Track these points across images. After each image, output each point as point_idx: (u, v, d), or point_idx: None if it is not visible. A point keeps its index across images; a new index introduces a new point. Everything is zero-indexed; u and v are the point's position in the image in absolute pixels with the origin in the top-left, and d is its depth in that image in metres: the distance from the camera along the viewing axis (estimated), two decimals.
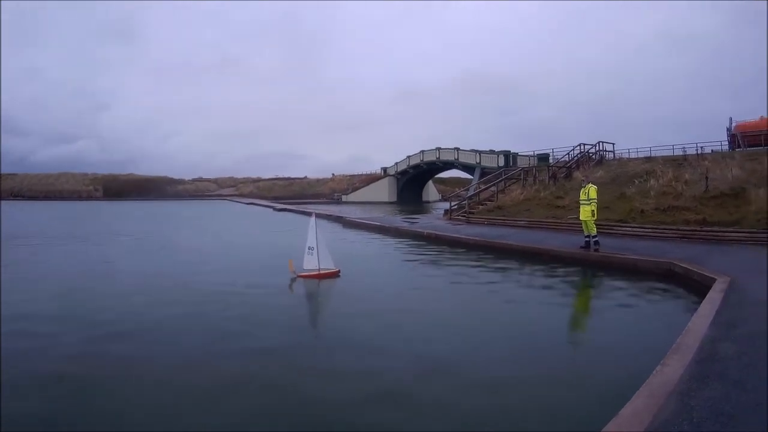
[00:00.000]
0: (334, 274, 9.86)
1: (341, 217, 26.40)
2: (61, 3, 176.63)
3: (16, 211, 40.04)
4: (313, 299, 8.69)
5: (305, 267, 9.79)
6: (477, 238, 15.27)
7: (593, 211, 11.82)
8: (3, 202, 56.87)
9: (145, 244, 17.15)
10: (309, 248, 9.89)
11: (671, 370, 4.09)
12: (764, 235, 11.41)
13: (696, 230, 12.91)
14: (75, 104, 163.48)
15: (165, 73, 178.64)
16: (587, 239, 11.93)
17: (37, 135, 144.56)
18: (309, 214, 12.11)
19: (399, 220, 23.85)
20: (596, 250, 11.59)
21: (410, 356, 5.38)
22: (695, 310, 6.28)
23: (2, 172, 79.50)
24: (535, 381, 4.72)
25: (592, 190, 12.00)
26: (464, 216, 21.61)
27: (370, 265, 12.04)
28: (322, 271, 9.72)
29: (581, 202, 12.19)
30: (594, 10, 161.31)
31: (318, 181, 79.80)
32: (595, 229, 11.88)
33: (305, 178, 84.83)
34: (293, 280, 9.58)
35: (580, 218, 12.20)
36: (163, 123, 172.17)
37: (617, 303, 7.89)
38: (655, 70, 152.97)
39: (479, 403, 4.23)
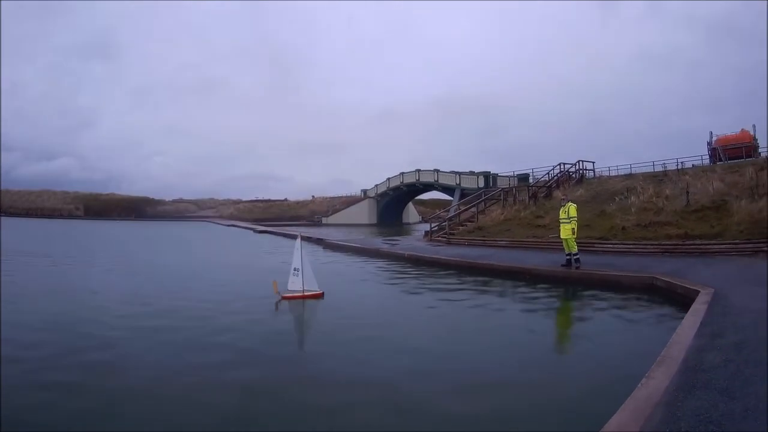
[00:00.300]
0: (318, 296, 9.71)
1: (321, 239, 25.79)
2: (42, 19, 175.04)
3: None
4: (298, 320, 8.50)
5: (290, 288, 9.67)
6: (458, 259, 14.81)
7: (573, 229, 11.62)
8: None
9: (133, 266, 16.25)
10: (294, 269, 9.80)
11: (656, 382, 3.93)
12: (747, 245, 11.09)
13: (678, 244, 12.59)
14: (57, 121, 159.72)
15: (146, 93, 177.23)
16: (568, 257, 11.69)
17: (18, 150, 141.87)
18: (291, 236, 11.90)
19: (379, 242, 23.31)
20: (577, 268, 11.32)
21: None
22: (679, 322, 5.98)
23: None
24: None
25: (572, 209, 11.82)
26: (444, 237, 21.20)
27: (352, 287, 11.64)
28: (306, 293, 9.59)
29: (561, 220, 11.97)
30: (573, 30, 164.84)
31: (298, 203, 78.93)
32: (575, 247, 11.66)
33: (285, 200, 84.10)
34: (278, 301, 9.33)
35: (561, 237, 11.97)
36: (144, 143, 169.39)
37: (600, 319, 7.61)
38: (632, 87, 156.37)
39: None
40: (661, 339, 5.35)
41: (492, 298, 9.84)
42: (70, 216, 74.95)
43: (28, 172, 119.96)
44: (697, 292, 7.51)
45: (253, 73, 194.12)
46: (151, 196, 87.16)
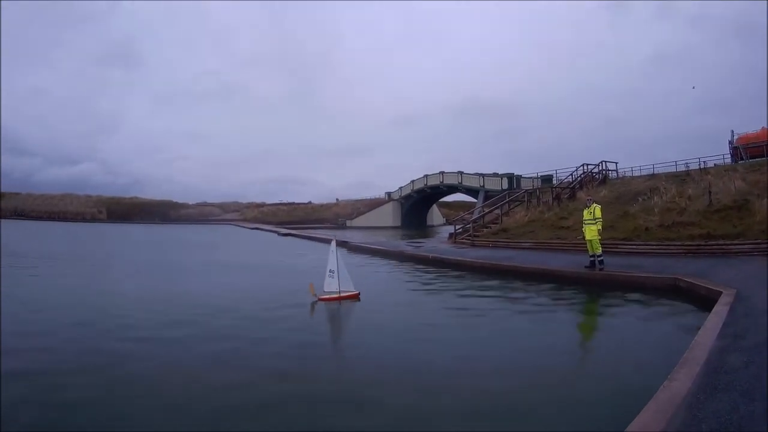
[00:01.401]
0: (355, 297, 10.02)
1: (346, 241, 26.34)
2: (66, 25, 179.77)
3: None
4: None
5: (326, 290, 9.97)
6: (482, 261, 15.13)
7: (599, 230, 11.78)
8: (4, 220, 56.90)
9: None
10: (330, 271, 10.05)
11: (679, 384, 4.06)
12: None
13: (701, 245, 12.83)
14: (79, 126, 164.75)
15: (168, 98, 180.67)
16: (592, 259, 11.87)
17: (41, 155, 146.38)
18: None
19: (404, 244, 23.74)
20: (601, 269, 11.53)
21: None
22: (702, 323, 6.21)
23: (5, 190, 79.88)
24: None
25: (597, 210, 11.95)
26: (469, 239, 21.53)
27: (382, 287, 12.12)
28: (342, 294, 9.88)
29: (586, 221, 12.10)
30: (584, 32, 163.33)
31: (322, 206, 79.25)
32: (600, 248, 11.80)
33: (309, 203, 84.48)
34: (314, 303, 9.67)
35: (586, 238, 12.10)
36: (167, 147, 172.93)
37: (624, 321, 7.89)
38: (646, 88, 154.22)
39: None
40: (685, 340, 5.58)
41: (517, 301, 10.01)
42: (93, 219, 76.05)
43: (52, 176, 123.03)
44: (719, 293, 7.80)
45: (275, 77, 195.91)
46: (174, 200, 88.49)
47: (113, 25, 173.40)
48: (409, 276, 14.42)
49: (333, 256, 10.14)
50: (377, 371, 5.70)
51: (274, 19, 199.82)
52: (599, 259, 11.73)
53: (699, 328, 5.98)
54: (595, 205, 12.22)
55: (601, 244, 11.82)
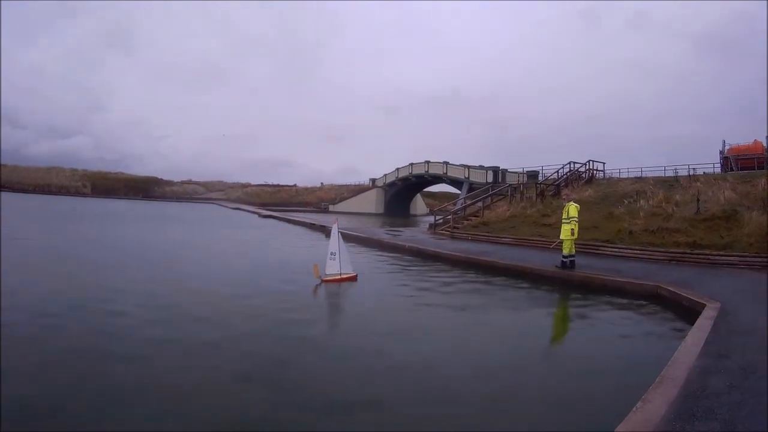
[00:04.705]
0: (353, 278, 10.40)
1: (324, 226, 25.58)
2: (61, 4, 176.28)
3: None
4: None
5: (327, 272, 10.23)
6: (459, 254, 14.59)
7: (573, 230, 11.28)
8: None
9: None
10: (331, 253, 10.36)
11: (654, 406, 3.64)
12: (757, 259, 10.78)
13: (686, 253, 12.29)
14: (72, 100, 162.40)
15: (160, 76, 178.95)
16: (564, 259, 11.37)
17: (32, 128, 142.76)
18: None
19: (382, 232, 23.11)
20: (569, 269, 11.11)
21: None
22: (683, 338, 5.68)
23: None
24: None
25: (572, 209, 11.48)
26: (449, 231, 21.00)
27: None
28: (343, 275, 10.26)
29: (562, 220, 11.68)
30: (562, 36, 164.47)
31: (306, 189, 78.36)
32: (573, 249, 11.35)
33: (294, 185, 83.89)
34: (318, 284, 9.85)
35: (560, 237, 11.64)
36: (157, 125, 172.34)
37: (597, 329, 7.28)
38: (626, 93, 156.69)
39: None
40: (663, 355, 5.08)
41: (488, 297, 9.65)
42: (77, 194, 75.08)
43: (42, 149, 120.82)
44: (703, 306, 7.25)
45: (266, 59, 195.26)
46: (160, 177, 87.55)
47: (109, 5, 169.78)
48: (380, 264, 13.78)
49: (334, 238, 10.45)
50: None
51: (267, 2, 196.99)
52: (571, 260, 11.26)
53: (679, 343, 5.43)
54: (570, 204, 11.69)
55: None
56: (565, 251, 11.33)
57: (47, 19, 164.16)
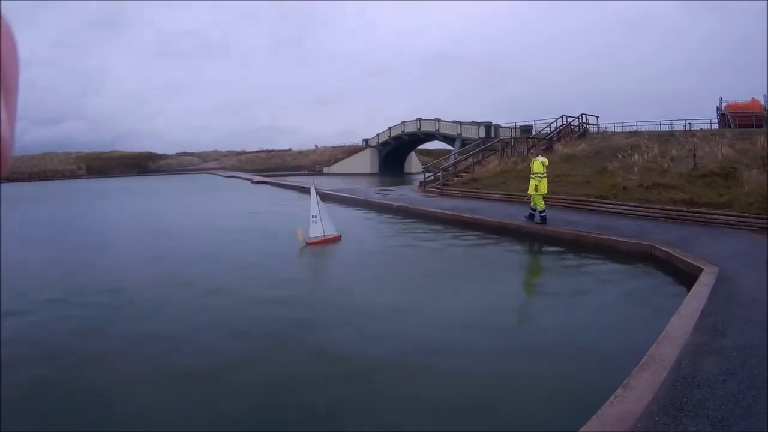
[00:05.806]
0: (337, 239, 10.65)
1: (304, 187, 24.87)
2: None
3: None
4: None
5: (311, 235, 10.36)
6: (446, 212, 14.15)
7: (536, 185, 11.38)
8: None
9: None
10: (312, 216, 10.46)
11: (636, 394, 3.22)
12: (757, 220, 10.22)
13: (682, 210, 11.73)
14: (64, 84, 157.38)
15: (152, 52, 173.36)
16: (533, 211, 11.65)
17: (26, 118, 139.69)
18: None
19: (372, 192, 22.53)
20: (538, 223, 11.38)
21: None
22: (676, 307, 5.17)
23: None
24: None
25: (536, 164, 11.54)
26: (438, 188, 20.38)
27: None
28: (327, 237, 10.47)
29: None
30: None
31: (300, 153, 77.14)
32: (541, 203, 11.51)
33: (289, 150, 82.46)
34: (303, 247, 10.14)
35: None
36: (150, 102, 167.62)
37: (584, 292, 6.98)
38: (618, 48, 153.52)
39: None
40: (653, 323, 4.79)
41: (475, 256, 9.58)
42: (72, 176, 73.11)
43: (36, 137, 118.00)
44: (699, 270, 6.75)
45: (260, 25, 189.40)
46: (154, 152, 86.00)
47: None
48: (365, 224, 13.42)
49: (313, 201, 10.54)
50: None
51: None
52: (541, 215, 11.42)
53: (672, 312, 4.96)
54: (535, 159, 11.88)
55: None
56: (540, 206, 11.47)
57: (33, 7, 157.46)
